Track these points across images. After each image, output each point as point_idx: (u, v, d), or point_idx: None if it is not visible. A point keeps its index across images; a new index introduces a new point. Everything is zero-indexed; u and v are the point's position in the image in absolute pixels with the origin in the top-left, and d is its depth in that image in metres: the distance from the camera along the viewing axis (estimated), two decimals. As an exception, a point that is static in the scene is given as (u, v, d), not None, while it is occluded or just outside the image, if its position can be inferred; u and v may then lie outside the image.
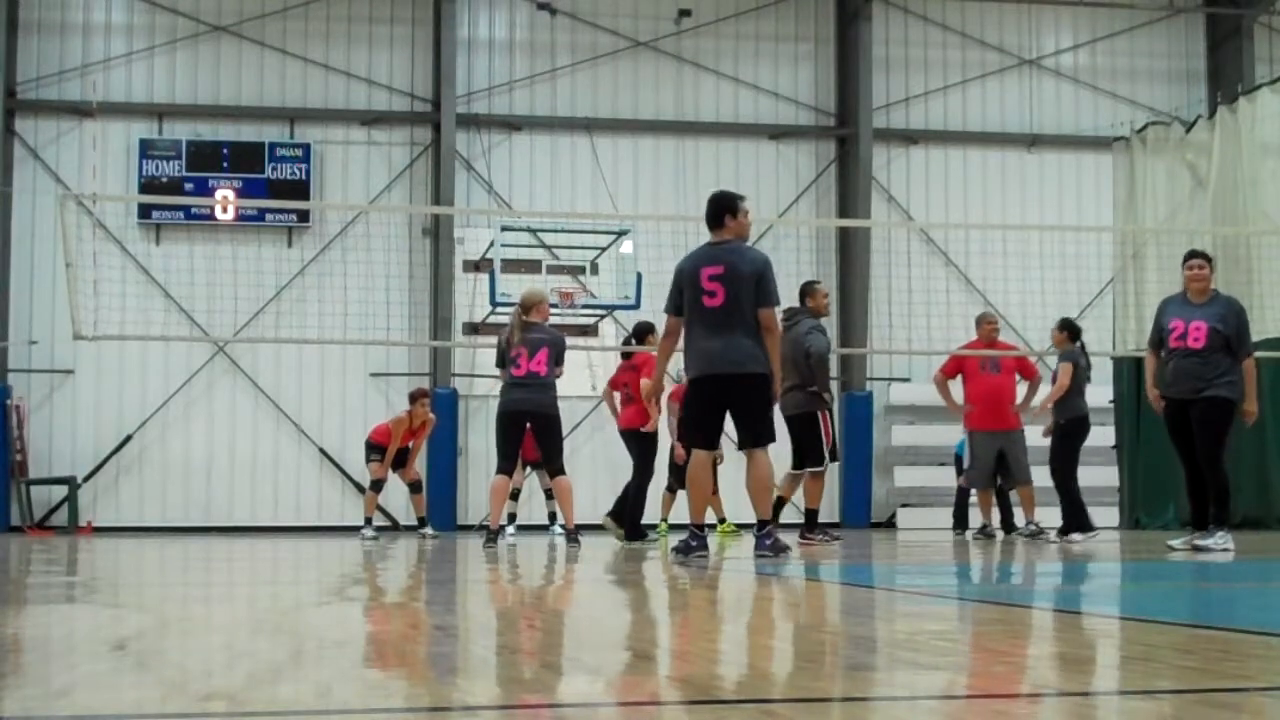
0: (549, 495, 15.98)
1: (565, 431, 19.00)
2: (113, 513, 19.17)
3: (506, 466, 10.89)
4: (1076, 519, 11.54)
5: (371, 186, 19.98)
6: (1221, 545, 9.18)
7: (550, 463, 10.96)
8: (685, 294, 8.23)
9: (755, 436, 8.17)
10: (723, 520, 14.53)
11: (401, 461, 14.86)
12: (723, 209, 8.32)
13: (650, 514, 14.15)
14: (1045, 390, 12.30)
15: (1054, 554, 9.43)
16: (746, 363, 8.03)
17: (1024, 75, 21.48)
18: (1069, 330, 12.02)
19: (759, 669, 3.08)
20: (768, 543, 8.19)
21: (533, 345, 10.63)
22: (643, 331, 12.83)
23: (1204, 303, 9.46)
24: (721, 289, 8.07)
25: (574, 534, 10.84)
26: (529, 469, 17.23)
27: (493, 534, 10.90)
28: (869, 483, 20.19)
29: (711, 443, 8.30)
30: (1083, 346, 12.05)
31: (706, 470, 8.33)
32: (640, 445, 12.02)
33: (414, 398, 14.96)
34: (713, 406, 8.20)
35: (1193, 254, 9.72)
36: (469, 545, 12.36)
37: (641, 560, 8.65)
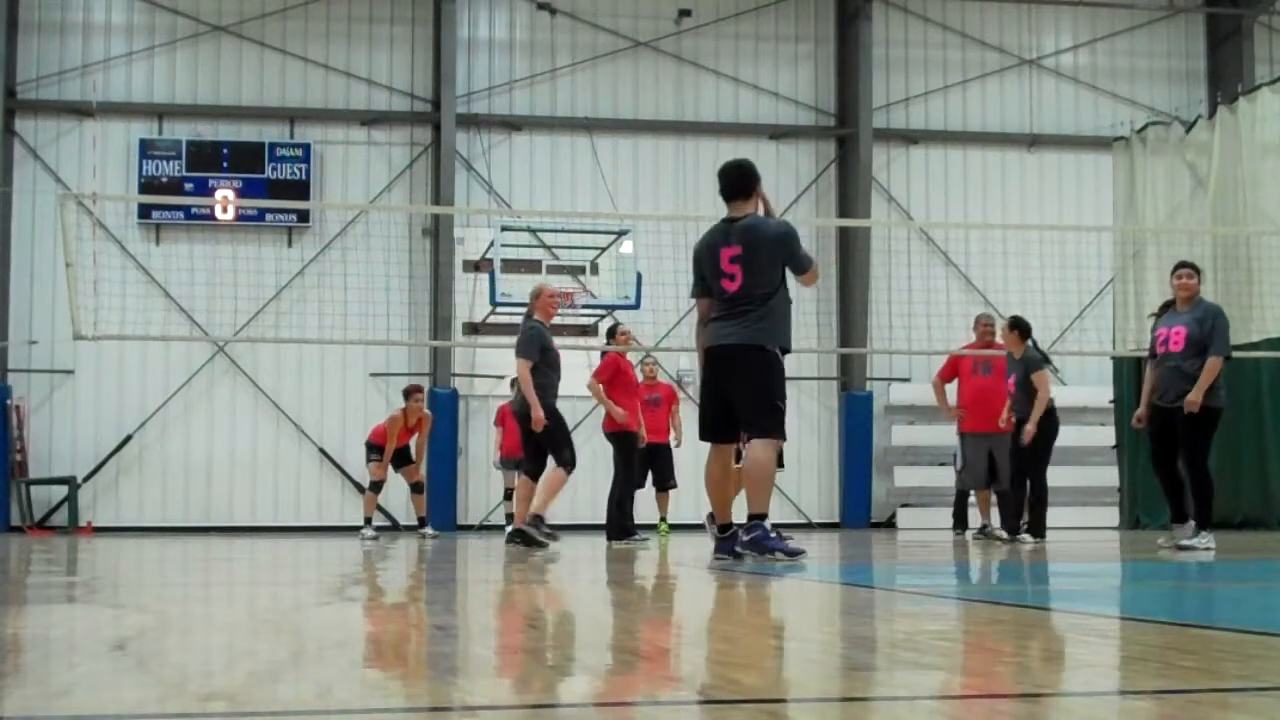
0: (507, 495, 16.06)
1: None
2: (113, 513, 19.16)
3: (526, 466, 10.88)
4: (1041, 521, 11.51)
5: (371, 186, 19.97)
6: (1204, 545, 9.38)
7: (554, 457, 10.76)
8: (708, 277, 7.71)
9: (749, 423, 7.67)
10: (663, 519, 14.45)
11: (406, 460, 14.83)
12: (748, 178, 7.76)
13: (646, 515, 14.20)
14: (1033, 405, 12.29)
15: (1050, 554, 9.44)
16: (738, 335, 7.53)
17: (1024, 75, 21.47)
18: (1020, 329, 11.65)
19: (759, 669, 3.08)
20: (745, 539, 7.58)
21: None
22: (609, 333, 13.05)
23: (1187, 310, 9.81)
24: (740, 272, 7.53)
25: (535, 521, 10.46)
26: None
27: (518, 530, 10.68)
28: (869, 483, 20.18)
29: (719, 437, 7.73)
30: (1035, 343, 11.87)
31: (713, 466, 7.74)
32: (619, 447, 12.04)
33: (407, 394, 14.94)
34: (711, 393, 7.71)
35: (1181, 265, 10.02)
36: (469, 545, 12.36)
37: (633, 560, 8.65)
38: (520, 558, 9.04)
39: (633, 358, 13.49)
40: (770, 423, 7.59)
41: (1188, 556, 8.76)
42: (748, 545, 7.57)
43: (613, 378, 12.08)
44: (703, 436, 7.88)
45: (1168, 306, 10.32)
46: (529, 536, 10.50)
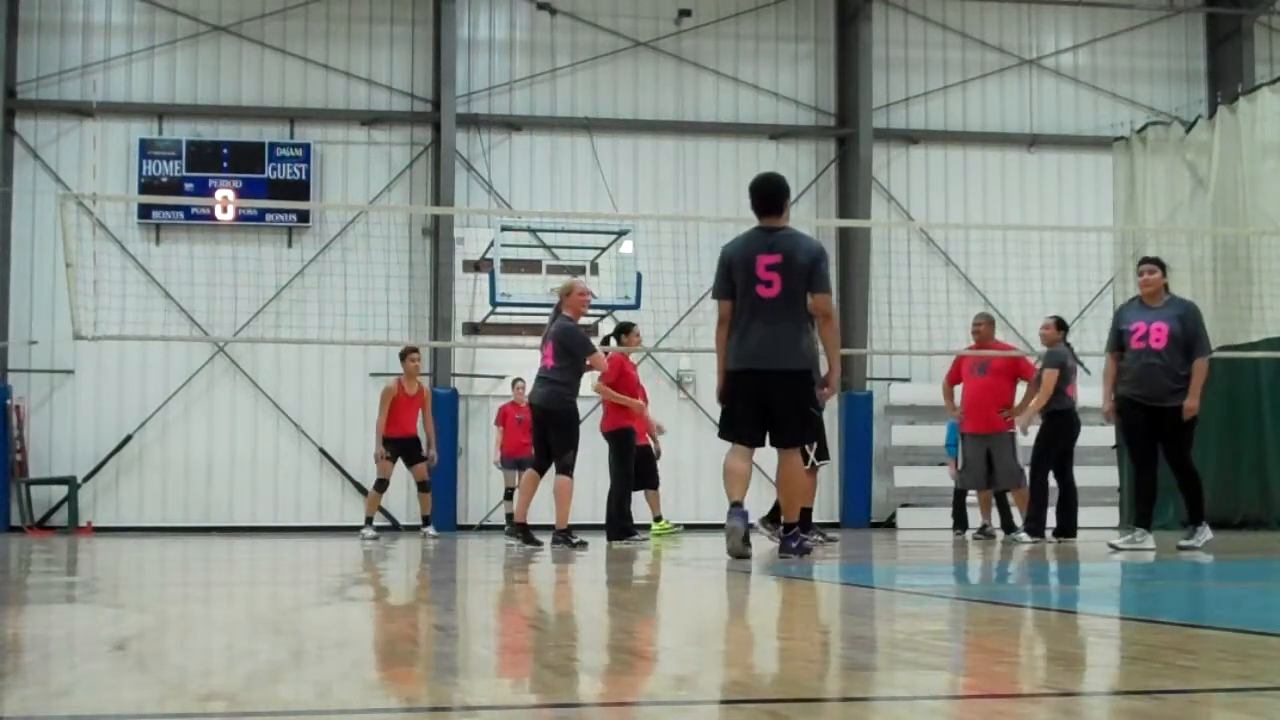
0: (507, 495, 15.99)
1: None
2: (113, 513, 19.16)
3: (534, 462, 10.84)
4: (1034, 519, 11.56)
5: (371, 186, 19.97)
6: (1204, 538, 9.49)
7: (554, 458, 10.74)
8: (736, 280, 7.95)
9: (789, 437, 8.00)
10: (659, 519, 14.42)
11: (418, 456, 14.43)
12: (782, 194, 8.19)
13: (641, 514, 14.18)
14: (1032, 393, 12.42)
15: (1051, 554, 9.44)
16: (789, 359, 7.85)
17: (1024, 75, 21.48)
18: (1061, 325, 12.16)
19: (759, 669, 3.09)
20: (793, 545, 8.09)
21: (546, 339, 10.70)
22: (619, 331, 12.96)
23: (1161, 305, 9.70)
24: (778, 279, 7.86)
25: (561, 537, 10.61)
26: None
27: (516, 526, 10.77)
28: (869, 483, 20.18)
29: (750, 440, 8.00)
30: (1068, 344, 12.15)
31: (737, 459, 7.98)
32: (616, 446, 12.02)
33: (404, 355, 14.37)
34: (753, 402, 7.92)
35: (1144, 260, 9.98)
36: (469, 545, 12.36)
37: (635, 561, 8.65)
38: (519, 557, 9.04)
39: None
40: (809, 433, 8.26)
41: (1189, 556, 8.78)
42: (797, 551, 8.11)
43: (617, 379, 12.07)
44: (729, 438, 8.05)
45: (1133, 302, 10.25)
46: (529, 535, 10.57)
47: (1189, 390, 9.46)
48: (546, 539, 10.77)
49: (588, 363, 10.65)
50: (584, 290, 11.04)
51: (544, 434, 10.68)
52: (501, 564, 8.32)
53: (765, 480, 12.43)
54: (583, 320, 18.55)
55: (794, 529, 8.20)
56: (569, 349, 10.55)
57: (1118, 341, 9.79)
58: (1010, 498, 12.79)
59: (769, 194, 8.15)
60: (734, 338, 7.97)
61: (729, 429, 8.06)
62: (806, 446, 10.01)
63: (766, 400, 7.91)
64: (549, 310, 16.68)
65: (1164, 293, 9.75)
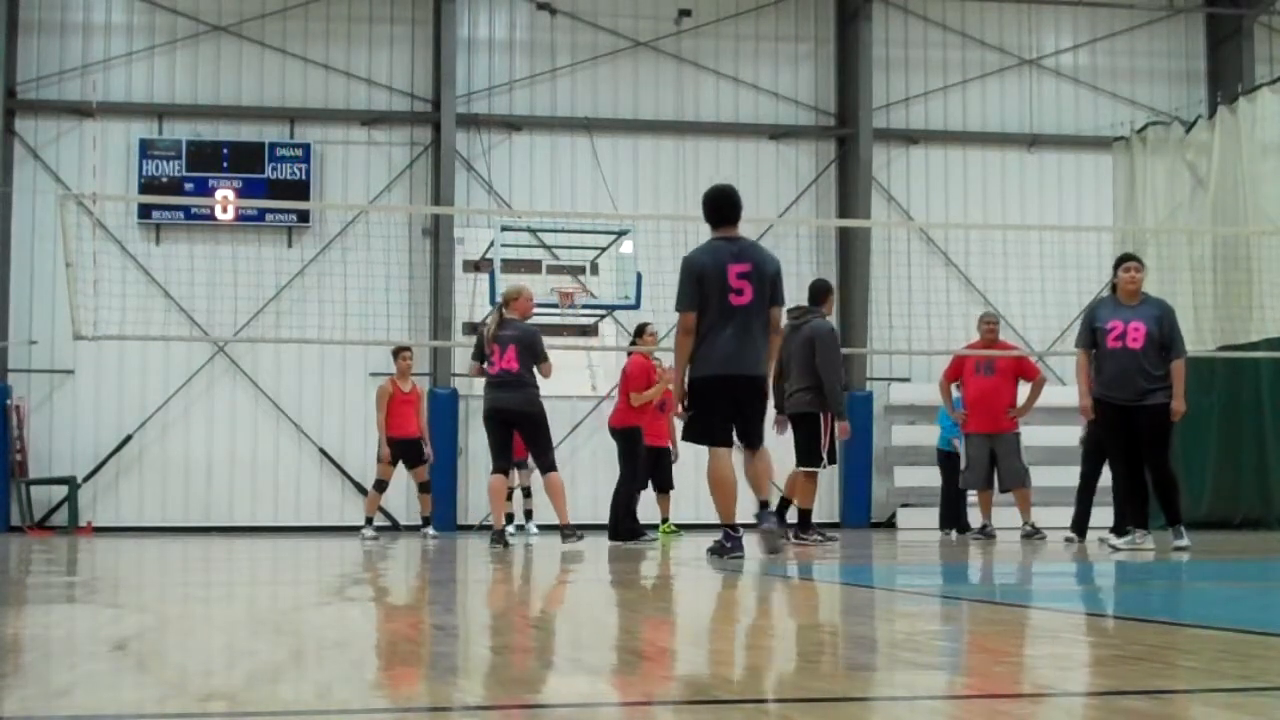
0: (526, 493, 15.96)
1: (565, 431, 19.11)
2: (113, 513, 19.16)
3: (500, 465, 10.96)
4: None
5: (371, 186, 19.97)
6: (1185, 541, 9.48)
7: (537, 460, 10.96)
8: (706, 290, 8.07)
9: (759, 436, 8.28)
10: (665, 520, 14.42)
11: (418, 459, 14.47)
12: (739, 206, 8.39)
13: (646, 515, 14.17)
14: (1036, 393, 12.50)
15: (1050, 554, 9.45)
16: (759, 365, 8.13)
17: (1024, 75, 21.47)
18: None
19: (758, 669, 3.09)
20: (765, 524, 8.15)
21: (504, 342, 10.71)
22: (636, 333, 13.01)
23: (1137, 304, 9.62)
24: (749, 287, 8.06)
25: (570, 531, 10.77)
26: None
27: (498, 534, 10.89)
28: (869, 483, 20.18)
29: (727, 441, 8.22)
30: None
31: (728, 468, 8.18)
32: (625, 445, 12.05)
33: (395, 353, 14.54)
34: (727, 405, 8.13)
35: (1129, 257, 9.87)
36: (469, 545, 12.36)
37: (637, 560, 8.65)
38: (506, 558, 9.04)
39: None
40: (763, 433, 8.49)
41: (1179, 556, 8.81)
42: (780, 535, 8.42)
43: (638, 377, 12.12)
44: (704, 441, 8.24)
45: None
46: (504, 537, 10.88)
47: (1172, 392, 9.38)
48: (521, 541, 10.78)
49: (543, 367, 10.78)
50: (531, 296, 11.26)
51: (509, 436, 10.90)
52: (501, 564, 8.32)
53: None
54: (582, 320, 18.74)
55: (772, 512, 8.40)
56: (536, 352, 10.69)
57: (1091, 339, 9.69)
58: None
59: (730, 204, 8.34)
60: (704, 345, 8.11)
61: (704, 433, 8.23)
62: (823, 451, 10.61)
63: (738, 403, 8.14)
64: (550, 310, 16.63)
65: (1141, 293, 9.72)
